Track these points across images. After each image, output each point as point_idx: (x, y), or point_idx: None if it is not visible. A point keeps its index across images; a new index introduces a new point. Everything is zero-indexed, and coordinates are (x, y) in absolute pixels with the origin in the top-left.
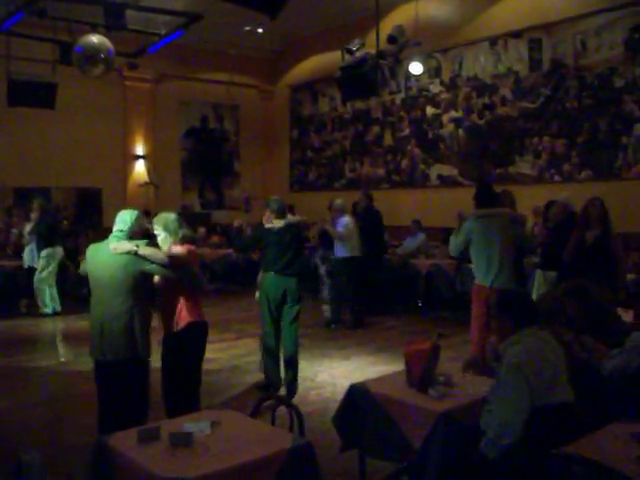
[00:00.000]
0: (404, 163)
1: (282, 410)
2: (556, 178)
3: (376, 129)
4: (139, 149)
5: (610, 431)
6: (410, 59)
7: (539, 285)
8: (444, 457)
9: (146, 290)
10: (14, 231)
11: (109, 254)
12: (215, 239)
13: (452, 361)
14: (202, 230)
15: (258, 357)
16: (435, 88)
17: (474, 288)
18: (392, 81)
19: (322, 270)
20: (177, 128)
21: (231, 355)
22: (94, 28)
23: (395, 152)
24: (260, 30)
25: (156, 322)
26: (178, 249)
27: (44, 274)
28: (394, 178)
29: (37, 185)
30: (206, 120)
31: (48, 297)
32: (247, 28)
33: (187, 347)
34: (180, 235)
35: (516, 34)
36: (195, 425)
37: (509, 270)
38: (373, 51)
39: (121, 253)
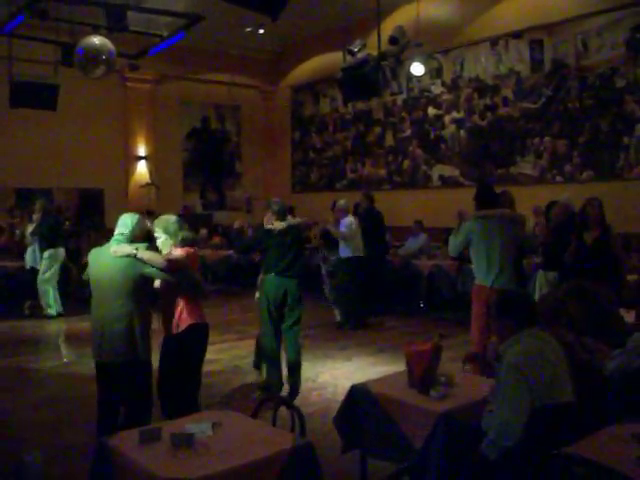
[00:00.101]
0: (406, 164)
1: (283, 411)
2: (558, 178)
3: (377, 130)
4: (141, 150)
5: (611, 432)
6: (411, 60)
7: (541, 285)
8: (445, 457)
9: (146, 293)
10: (16, 232)
11: (110, 257)
12: (216, 240)
13: (453, 362)
14: (203, 231)
15: (252, 357)
16: (436, 89)
17: (474, 288)
18: (393, 82)
19: (323, 270)
20: (178, 129)
21: (232, 356)
22: (96, 29)
23: (397, 153)
24: (261, 31)
25: (157, 324)
26: (178, 252)
27: (47, 275)
28: (396, 179)
29: (39, 186)
30: (207, 121)
31: (52, 298)
32: (248, 29)
33: (187, 350)
34: (180, 238)
35: (517, 35)
36: (196, 426)
37: (510, 270)
38: (374, 52)
39: (121, 256)
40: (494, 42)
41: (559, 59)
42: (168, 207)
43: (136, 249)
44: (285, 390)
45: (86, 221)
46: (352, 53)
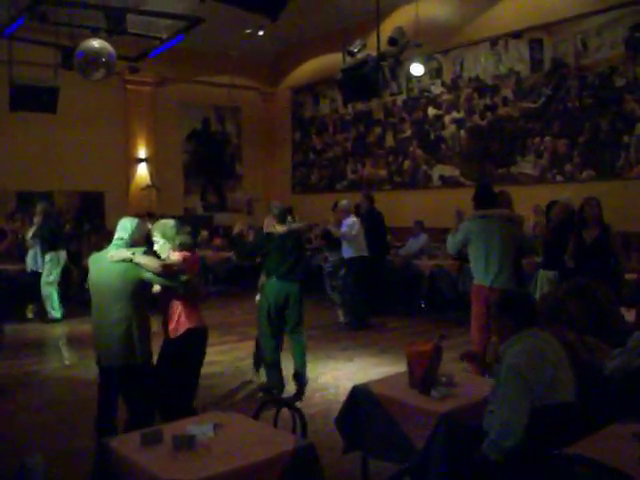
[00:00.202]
0: (406, 164)
1: (285, 412)
2: (558, 178)
3: (378, 130)
4: (141, 152)
5: (612, 431)
6: (411, 60)
7: (542, 285)
8: (446, 458)
9: (145, 297)
10: (19, 236)
11: (108, 262)
12: (217, 242)
13: (454, 362)
14: (204, 233)
15: (251, 360)
16: (436, 89)
17: (473, 288)
18: (393, 82)
19: (325, 271)
20: (179, 131)
21: (233, 357)
22: (95, 32)
23: (397, 153)
24: (261, 32)
25: (156, 327)
26: (175, 256)
27: (51, 278)
28: (396, 179)
29: (40, 189)
30: (208, 122)
31: (56, 301)
32: (248, 30)
33: (185, 354)
34: (178, 242)
35: (517, 34)
36: (198, 427)
37: (509, 270)
38: (374, 53)
39: (118, 261)
40: (494, 42)
41: (559, 59)
42: (169, 209)
43: (133, 253)
44: (292, 391)
45: (86, 224)
46: (352, 54)
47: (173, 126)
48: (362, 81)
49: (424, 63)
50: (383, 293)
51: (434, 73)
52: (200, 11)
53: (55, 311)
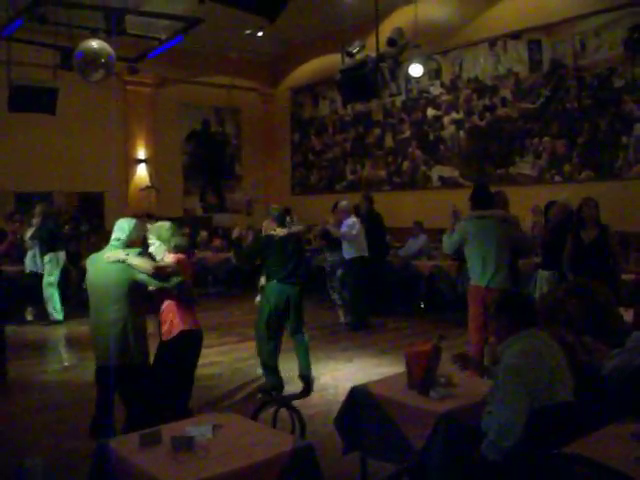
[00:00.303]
0: (405, 165)
1: (284, 413)
2: (557, 178)
3: (377, 131)
4: (140, 153)
5: (610, 431)
6: (410, 61)
7: (541, 285)
8: (445, 458)
9: (141, 298)
10: (18, 237)
11: (104, 263)
12: (217, 243)
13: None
14: (204, 234)
15: (252, 359)
16: (435, 90)
17: (470, 289)
18: (392, 83)
19: (325, 271)
20: (178, 132)
21: (233, 358)
22: (94, 33)
23: (396, 154)
24: (260, 33)
25: (152, 328)
26: (169, 258)
27: (51, 279)
28: (395, 180)
29: (39, 190)
30: (207, 123)
31: (58, 303)
32: (247, 31)
33: (179, 356)
34: (173, 244)
35: (515, 35)
36: (197, 428)
37: (505, 270)
38: (373, 53)
39: (113, 262)
40: (492, 43)
41: (557, 59)
42: (168, 210)
43: (127, 255)
44: (292, 390)
45: (85, 225)
46: (351, 55)
47: (172, 127)
48: (361, 82)
49: (423, 64)
50: (382, 294)
51: (433, 74)
52: (199, 12)
53: (57, 313)
